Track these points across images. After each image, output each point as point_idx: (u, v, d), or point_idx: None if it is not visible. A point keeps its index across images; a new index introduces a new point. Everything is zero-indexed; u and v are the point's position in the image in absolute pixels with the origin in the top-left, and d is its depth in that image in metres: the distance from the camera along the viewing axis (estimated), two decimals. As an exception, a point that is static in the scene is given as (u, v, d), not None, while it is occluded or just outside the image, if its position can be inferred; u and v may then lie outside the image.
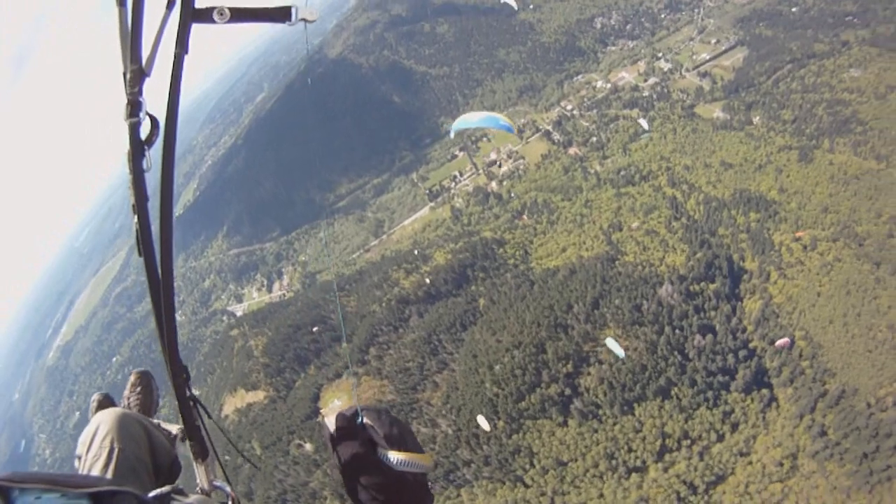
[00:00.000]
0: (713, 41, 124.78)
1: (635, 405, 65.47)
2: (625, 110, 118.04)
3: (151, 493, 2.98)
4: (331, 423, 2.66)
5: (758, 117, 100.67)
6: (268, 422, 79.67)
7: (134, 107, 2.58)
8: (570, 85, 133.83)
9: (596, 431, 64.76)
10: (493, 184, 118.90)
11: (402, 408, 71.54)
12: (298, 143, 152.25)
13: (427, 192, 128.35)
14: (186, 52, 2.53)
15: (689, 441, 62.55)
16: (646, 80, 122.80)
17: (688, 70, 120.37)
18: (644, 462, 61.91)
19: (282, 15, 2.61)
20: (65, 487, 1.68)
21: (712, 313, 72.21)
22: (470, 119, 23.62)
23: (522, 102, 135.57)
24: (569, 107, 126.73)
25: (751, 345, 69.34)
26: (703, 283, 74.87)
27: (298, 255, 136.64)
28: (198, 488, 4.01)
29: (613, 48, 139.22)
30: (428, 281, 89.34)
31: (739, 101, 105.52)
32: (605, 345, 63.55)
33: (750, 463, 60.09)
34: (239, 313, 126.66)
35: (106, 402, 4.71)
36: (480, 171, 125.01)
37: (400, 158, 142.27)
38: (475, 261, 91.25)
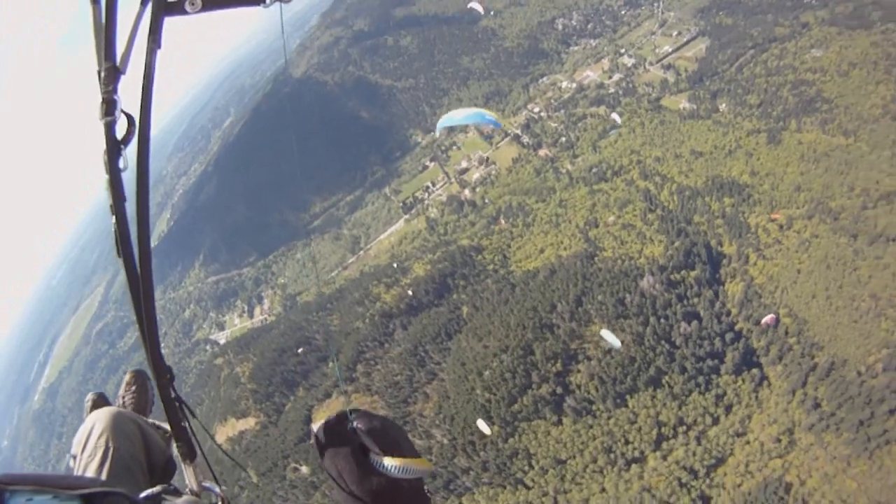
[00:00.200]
0: (675, 33, 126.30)
1: (628, 397, 65.47)
2: (592, 108, 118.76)
3: (143, 494, 3.14)
4: (320, 429, 2.37)
5: (724, 104, 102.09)
6: (261, 448, 78.46)
7: (109, 105, 2.53)
8: (535, 87, 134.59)
9: (591, 427, 64.61)
10: (467, 191, 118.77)
11: (395, 421, 70.60)
12: (269, 166, 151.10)
13: (401, 204, 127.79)
14: (159, 47, 2.52)
15: (684, 427, 62.63)
16: (610, 77, 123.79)
17: (651, 64, 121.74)
18: (642, 452, 61.83)
19: None
20: (56, 489, 1.69)
21: (695, 300, 72.75)
22: (456, 115, 23.55)
23: (490, 108, 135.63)
24: (536, 109, 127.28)
25: (736, 327, 69.89)
26: (683, 272, 75.42)
27: (277, 278, 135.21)
28: (187, 489, 4.00)
29: (576, 48, 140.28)
30: (410, 293, 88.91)
31: (705, 90, 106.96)
32: (600, 337, 63.66)
33: (748, 442, 60.34)
34: (222, 341, 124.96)
35: (100, 401, 4.80)
36: (452, 179, 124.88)
37: (372, 173, 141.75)
38: (455, 269, 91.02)
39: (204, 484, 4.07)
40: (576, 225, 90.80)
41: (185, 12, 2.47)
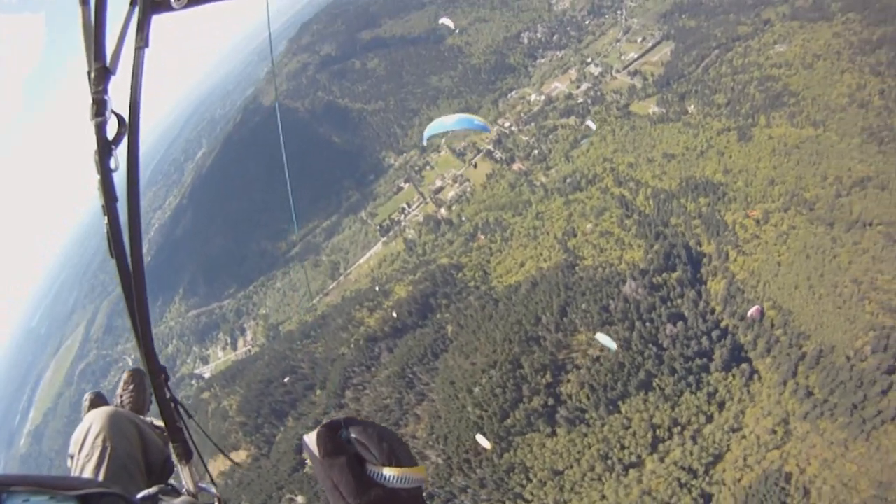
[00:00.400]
0: (639, 39, 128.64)
1: (620, 403, 65.49)
2: (562, 119, 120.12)
3: (140, 494, 3.17)
4: (312, 440, 2.13)
5: (692, 106, 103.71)
6: (254, 481, 76.87)
7: (99, 105, 2.53)
8: (505, 102, 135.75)
9: (586, 436, 64.42)
10: (443, 210, 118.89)
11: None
12: (243, 195, 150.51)
13: (378, 227, 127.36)
14: (147, 46, 2.53)
15: (679, 428, 62.84)
16: (578, 87, 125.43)
17: (618, 71, 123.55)
18: (639, 457, 61.84)
19: None
20: (53, 489, 1.69)
21: (679, 301, 73.24)
22: (443, 122, 23.26)
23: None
24: (507, 124, 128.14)
25: (722, 324, 70.53)
26: (665, 274, 75.99)
27: (258, 308, 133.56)
28: (184, 490, 3.98)
29: (543, 60, 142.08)
30: (394, 315, 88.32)
31: (672, 93, 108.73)
32: (595, 340, 63.56)
33: (744, 437, 60.71)
34: (207, 375, 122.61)
35: (98, 400, 4.83)
36: (428, 199, 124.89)
37: (347, 198, 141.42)
38: (436, 289, 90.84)
39: (200, 484, 4.07)
40: (554, 236, 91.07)
41: (171, 8, 2.51)
